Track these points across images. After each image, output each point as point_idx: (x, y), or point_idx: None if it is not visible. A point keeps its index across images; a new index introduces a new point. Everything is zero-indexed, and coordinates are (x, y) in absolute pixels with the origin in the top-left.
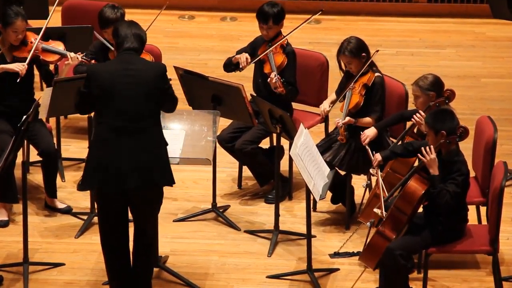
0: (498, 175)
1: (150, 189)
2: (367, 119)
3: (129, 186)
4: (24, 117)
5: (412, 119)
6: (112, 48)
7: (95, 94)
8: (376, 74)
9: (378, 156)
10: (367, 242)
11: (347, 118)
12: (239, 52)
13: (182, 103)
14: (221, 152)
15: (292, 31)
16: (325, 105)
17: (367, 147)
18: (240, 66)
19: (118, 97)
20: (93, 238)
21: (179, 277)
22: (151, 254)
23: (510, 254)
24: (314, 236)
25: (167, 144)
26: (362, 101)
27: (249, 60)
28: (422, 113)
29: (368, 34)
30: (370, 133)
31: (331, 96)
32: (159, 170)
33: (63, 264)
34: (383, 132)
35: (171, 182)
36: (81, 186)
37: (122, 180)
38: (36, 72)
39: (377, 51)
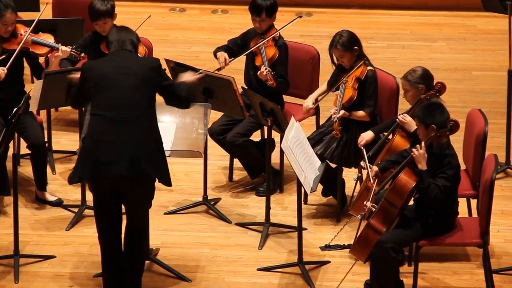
0: (489, 167)
1: (138, 179)
2: (361, 113)
3: (116, 174)
4: (15, 109)
5: (397, 119)
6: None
7: (89, 86)
8: (369, 67)
9: (375, 168)
10: (358, 235)
11: (342, 112)
12: (230, 41)
13: None
14: (212, 145)
15: (286, 25)
16: (308, 102)
17: (362, 148)
18: (219, 67)
19: (109, 87)
20: (84, 230)
21: (170, 269)
22: (140, 245)
23: (500, 246)
24: (305, 229)
25: (161, 142)
26: (356, 95)
27: (228, 61)
28: (405, 114)
29: (359, 27)
30: (367, 136)
31: (321, 87)
32: (148, 162)
33: (54, 257)
34: (378, 135)
35: (161, 177)
36: (72, 178)
37: (110, 168)
38: (26, 64)
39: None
